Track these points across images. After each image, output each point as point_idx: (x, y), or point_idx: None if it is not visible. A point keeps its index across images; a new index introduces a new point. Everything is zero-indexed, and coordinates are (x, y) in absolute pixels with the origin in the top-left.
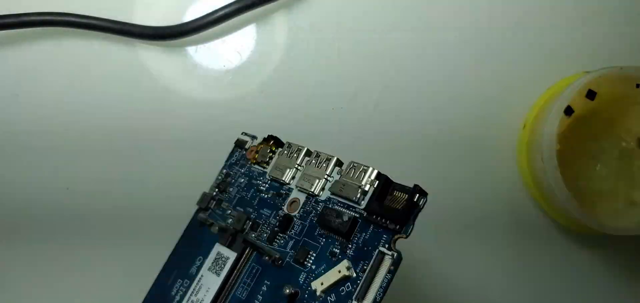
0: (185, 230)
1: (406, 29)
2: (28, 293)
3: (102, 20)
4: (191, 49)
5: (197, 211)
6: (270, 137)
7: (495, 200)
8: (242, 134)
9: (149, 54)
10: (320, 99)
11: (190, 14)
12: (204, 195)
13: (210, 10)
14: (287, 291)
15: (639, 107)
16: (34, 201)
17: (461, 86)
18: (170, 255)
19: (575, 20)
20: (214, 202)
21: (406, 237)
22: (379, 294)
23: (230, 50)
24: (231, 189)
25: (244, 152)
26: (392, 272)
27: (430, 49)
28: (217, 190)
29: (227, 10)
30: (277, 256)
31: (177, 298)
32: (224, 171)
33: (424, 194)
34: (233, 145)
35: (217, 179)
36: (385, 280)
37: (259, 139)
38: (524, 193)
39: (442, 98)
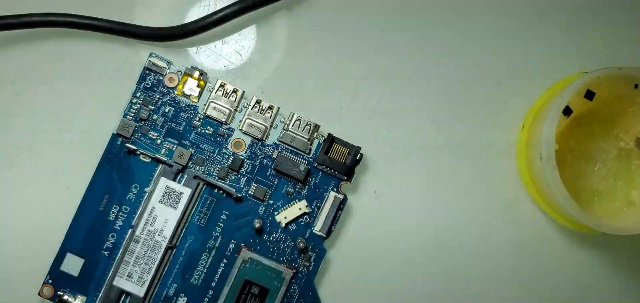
0: (105, 156)
1: (406, 29)
2: None
3: (103, 21)
4: (192, 50)
5: (115, 137)
6: (194, 68)
7: (494, 199)
8: (152, 56)
9: None
10: (320, 100)
11: (192, 15)
12: (125, 122)
13: (210, 11)
14: (257, 225)
15: (637, 108)
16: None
17: (460, 86)
18: (93, 179)
19: (574, 20)
20: (139, 130)
21: (350, 183)
22: (334, 225)
23: (231, 51)
24: (155, 117)
25: (161, 78)
26: (342, 209)
27: (429, 49)
28: (136, 116)
29: (227, 11)
30: (237, 194)
31: (119, 222)
32: (139, 94)
33: (360, 150)
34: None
35: (131, 103)
36: (338, 216)
37: (177, 67)
38: (523, 193)
39: (441, 99)
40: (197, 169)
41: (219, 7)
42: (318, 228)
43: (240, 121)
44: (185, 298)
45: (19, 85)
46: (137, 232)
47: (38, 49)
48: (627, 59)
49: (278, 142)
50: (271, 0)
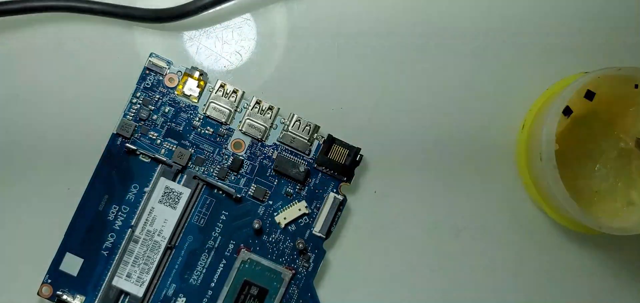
0: (105, 156)
1: (406, 29)
2: None
3: (103, 5)
4: (192, 50)
5: (115, 137)
6: (194, 68)
7: (494, 200)
8: (153, 56)
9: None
10: (320, 100)
11: None
12: (125, 122)
13: None
14: (257, 225)
15: (637, 108)
16: None
17: (460, 86)
18: (92, 179)
19: (574, 20)
20: (139, 130)
21: (350, 184)
22: (333, 226)
23: (231, 51)
24: (155, 117)
25: (161, 78)
26: (341, 209)
27: (429, 49)
28: (136, 116)
29: None
30: (237, 194)
31: (118, 222)
32: (139, 94)
33: (359, 151)
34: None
35: (131, 103)
36: (338, 217)
37: (177, 68)
38: (523, 193)
39: (441, 99)
40: (197, 169)
41: None
42: (317, 229)
43: (240, 122)
44: (184, 299)
45: (18, 85)
46: (137, 232)
47: (38, 47)
48: (627, 59)
49: (278, 143)
50: None
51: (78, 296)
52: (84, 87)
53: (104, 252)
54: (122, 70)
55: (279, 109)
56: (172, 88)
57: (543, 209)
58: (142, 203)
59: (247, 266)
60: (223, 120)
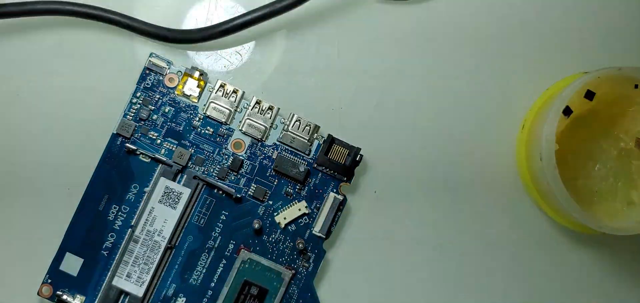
0: (105, 156)
1: (405, 29)
2: None
3: (108, 12)
4: (192, 51)
5: (115, 137)
6: (194, 68)
7: (494, 200)
8: (153, 56)
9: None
10: (320, 100)
11: (193, 11)
12: (125, 122)
13: (211, 11)
14: (257, 225)
15: (637, 108)
16: None
17: (460, 86)
18: (92, 179)
19: (574, 20)
20: (139, 130)
21: (350, 184)
22: (333, 226)
23: (231, 51)
24: (155, 116)
25: (161, 78)
26: (341, 209)
27: (429, 48)
28: (136, 116)
29: (234, 22)
30: (237, 194)
31: (118, 222)
32: (139, 94)
33: (359, 151)
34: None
35: (131, 103)
36: (338, 217)
37: (177, 68)
38: (523, 193)
39: (441, 98)
40: (197, 169)
41: (223, 19)
42: (317, 229)
43: (240, 122)
44: (184, 299)
45: (18, 85)
46: (137, 232)
47: (38, 46)
48: (627, 59)
49: (278, 143)
50: (275, 14)
51: (78, 296)
52: (84, 87)
53: (104, 252)
54: (122, 70)
55: (279, 109)
56: (172, 88)
57: (543, 209)
58: (142, 203)
59: (247, 266)
60: (223, 120)
